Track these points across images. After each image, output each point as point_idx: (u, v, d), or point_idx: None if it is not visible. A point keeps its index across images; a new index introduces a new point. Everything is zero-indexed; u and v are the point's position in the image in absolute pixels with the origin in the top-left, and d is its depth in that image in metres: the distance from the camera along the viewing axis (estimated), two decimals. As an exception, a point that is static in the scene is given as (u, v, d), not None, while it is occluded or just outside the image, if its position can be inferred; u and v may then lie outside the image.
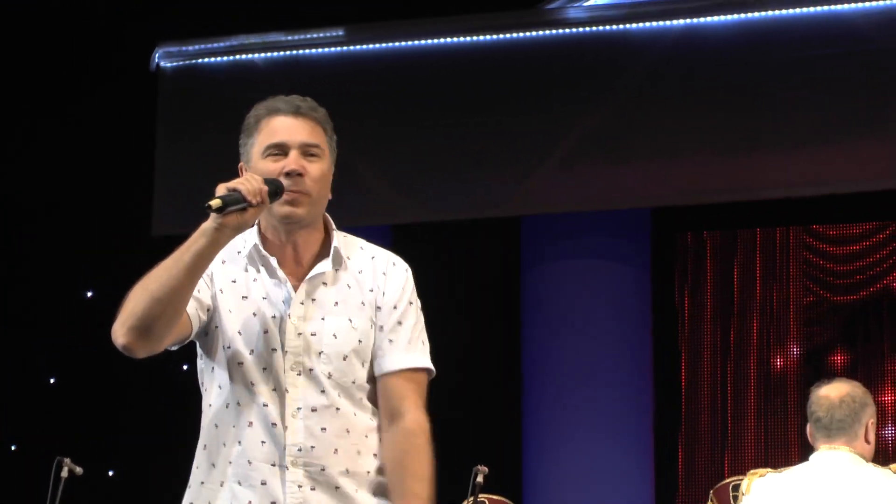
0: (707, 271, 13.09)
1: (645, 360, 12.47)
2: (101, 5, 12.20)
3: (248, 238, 4.89)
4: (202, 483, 4.87)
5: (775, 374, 13.39)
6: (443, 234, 11.93)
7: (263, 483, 4.79)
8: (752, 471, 7.88)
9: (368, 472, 4.89)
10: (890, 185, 11.45)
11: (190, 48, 12.29)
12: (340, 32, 11.85)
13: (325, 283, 4.86)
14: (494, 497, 8.81)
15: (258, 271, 4.88)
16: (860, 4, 11.24)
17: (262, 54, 12.12)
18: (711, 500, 8.99)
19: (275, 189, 4.69)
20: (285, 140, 4.83)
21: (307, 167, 4.79)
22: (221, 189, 4.59)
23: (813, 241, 12.86)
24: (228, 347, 4.85)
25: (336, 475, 4.82)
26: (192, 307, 4.80)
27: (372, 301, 4.91)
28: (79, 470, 8.22)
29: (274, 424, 4.80)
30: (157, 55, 12.22)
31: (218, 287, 4.89)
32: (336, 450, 4.81)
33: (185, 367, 11.92)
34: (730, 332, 13.40)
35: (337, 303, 4.85)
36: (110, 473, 11.13)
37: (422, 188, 11.55)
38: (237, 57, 12.16)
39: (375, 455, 4.92)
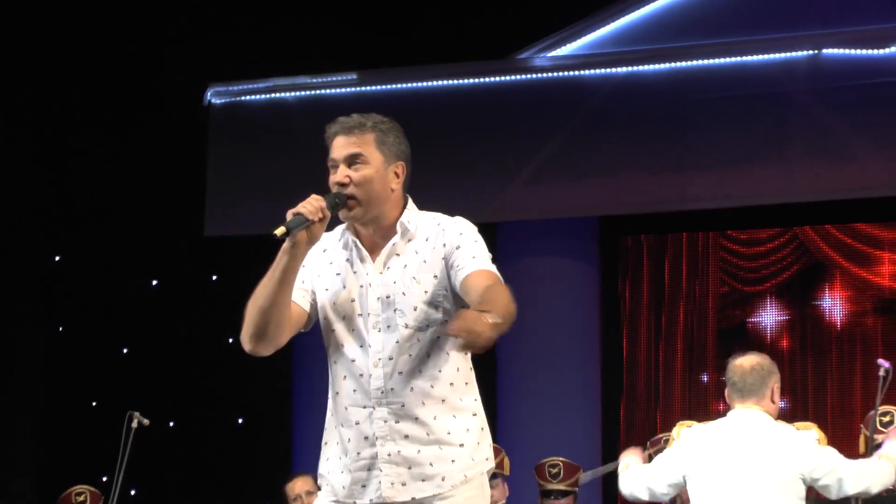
0: (644, 267, 13.12)
1: (594, 338, 12.47)
2: (169, 54, 12.02)
3: (343, 231, 4.96)
4: (327, 428, 4.99)
5: (698, 349, 13.23)
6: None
7: (357, 423, 4.84)
8: (680, 422, 8.07)
9: (444, 400, 4.89)
10: (787, 200, 11.58)
11: (234, 88, 12.28)
12: (354, 76, 11.92)
13: (397, 255, 4.84)
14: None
15: (350, 253, 4.90)
16: (764, 56, 11.30)
17: (292, 93, 12.08)
18: (648, 448, 8.69)
19: (334, 203, 4.74)
20: (334, 157, 4.84)
21: (352, 175, 4.81)
22: (289, 214, 4.64)
23: (727, 243, 12.97)
24: (325, 318, 4.92)
25: (414, 408, 4.83)
26: (302, 300, 4.93)
27: (437, 256, 4.87)
28: (146, 421, 8.10)
29: (361, 375, 4.84)
30: (209, 93, 12.24)
31: (316, 273, 4.94)
32: (412, 388, 4.82)
33: (230, 340, 11.44)
34: (661, 317, 13.29)
35: (406, 265, 4.83)
36: (171, 424, 11.06)
37: (419, 198, 11.50)
38: (272, 95, 12.12)
39: (452, 384, 4.93)
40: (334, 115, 4.75)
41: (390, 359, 4.82)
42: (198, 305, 12.21)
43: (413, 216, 4.94)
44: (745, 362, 7.18)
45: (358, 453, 4.86)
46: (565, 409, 11.92)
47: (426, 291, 4.83)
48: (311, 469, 8.21)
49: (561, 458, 9.32)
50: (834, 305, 12.92)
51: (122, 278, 12.45)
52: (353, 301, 4.89)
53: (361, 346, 4.86)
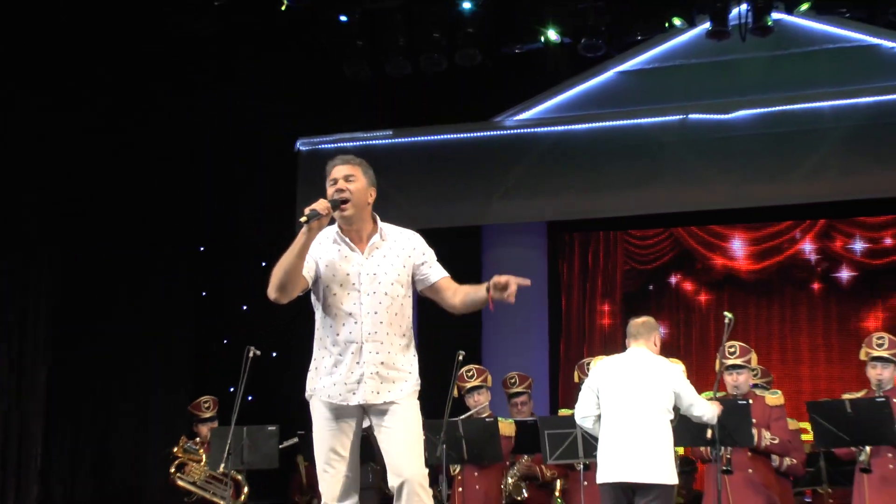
0: (576, 254, 13.18)
1: (544, 299, 12.33)
2: (268, 114, 11.52)
3: (331, 230, 4.96)
4: (323, 357, 4.96)
5: (610, 307, 13.06)
6: (437, 233, 11.57)
7: (352, 353, 4.88)
8: (598, 356, 8.33)
9: (402, 344, 4.94)
10: (664, 210, 11.68)
11: (315, 139, 12.03)
12: (390, 132, 11.81)
13: (377, 248, 4.95)
14: (473, 365, 8.70)
15: (340, 246, 4.94)
16: (650, 119, 11.33)
17: (352, 143, 11.76)
18: (577, 370, 8.74)
19: (335, 204, 4.83)
20: (335, 176, 4.94)
21: (347, 187, 4.89)
22: (307, 210, 4.73)
23: (628, 238, 13.11)
24: (327, 287, 4.90)
25: (387, 345, 4.89)
26: (307, 273, 4.88)
27: (405, 255, 5.02)
28: (258, 352, 7.89)
29: (356, 322, 4.88)
30: (298, 143, 12.05)
31: (318, 256, 4.93)
32: (387, 333, 4.89)
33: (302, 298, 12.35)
34: (587, 286, 13.09)
35: (384, 255, 4.96)
36: (273, 354, 10.91)
37: (433, 210, 11.49)
38: (339, 144, 11.73)
39: (404, 335, 4.98)
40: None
41: (375, 313, 4.89)
42: None
43: (385, 226, 5.04)
44: (638, 319, 7.16)
45: (351, 372, 4.88)
46: (525, 344, 11.87)
47: (397, 273, 4.95)
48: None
49: (517, 372, 9.24)
50: (696, 278, 13.02)
51: (240, 270, 12.02)
52: (348, 275, 4.91)
53: (355, 304, 4.89)
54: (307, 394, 5.03)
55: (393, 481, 4.92)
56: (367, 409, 4.95)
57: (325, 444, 4.98)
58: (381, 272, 4.96)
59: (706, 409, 6.88)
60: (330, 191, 4.93)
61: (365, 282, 4.93)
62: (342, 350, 4.92)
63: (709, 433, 7.09)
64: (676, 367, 7.09)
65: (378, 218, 5.04)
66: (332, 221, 4.97)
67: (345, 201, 4.89)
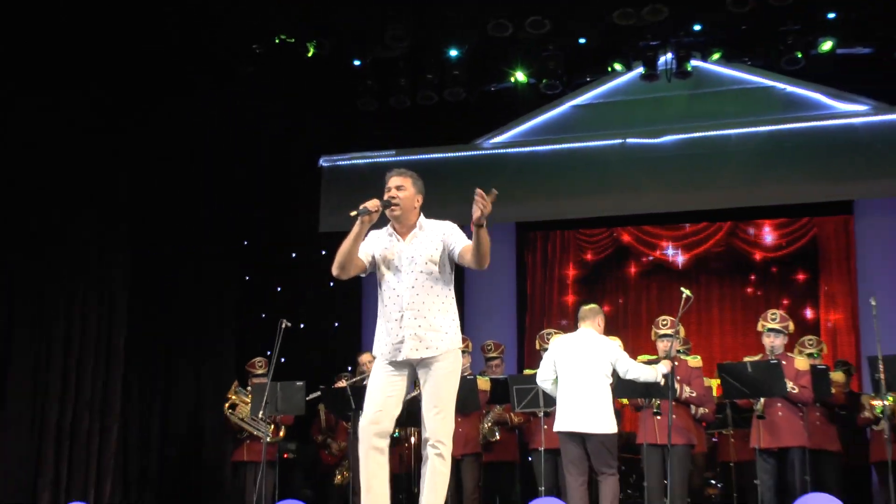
0: (538, 249, 12.93)
1: (513, 281, 12.10)
2: (299, 137, 11.50)
3: (385, 227, 4.91)
4: (379, 324, 4.88)
5: (560, 288, 12.73)
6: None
7: (396, 319, 4.79)
8: (555, 329, 8.53)
9: (439, 309, 4.79)
10: (608, 214, 11.67)
11: (334, 157, 11.93)
12: (393, 152, 11.57)
13: (416, 237, 4.86)
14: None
15: (390, 238, 4.90)
16: (595, 143, 11.23)
17: (363, 161, 11.77)
18: (538, 339, 8.31)
19: (387, 204, 4.79)
20: (390, 185, 4.88)
21: (398, 194, 4.86)
22: (360, 206, 4.67)
23: (580, 236, 12.86)
24: (378, 267, 4.88)
25: (425, 311, 4.79)
26: (364, 257, 4.85)
27: (438, 239, 4.87)
28: (289, 324, 7.69)
29: (399, 296, 4.82)
30: (321, 160, 11.93)
31: (374, 246, 4.89)
32: (423, 302, 4.80)
33: (330, 284, 11.29)
34: (546, 273, 12.78)
35: (421, 242, 4.86)
36: (301, 326, 10.62)
37: (429, 209, 11.45)
38: (353, 161, 11.77)
39: (443, 302, 4.83)
40: (384, 172, 4.88)
41: (412, 287, 4.82)
42: (312, 274, 11.69)
43: (424, 220, 4.96)
44: (587, 306, 7.10)
45: (396, 335, 4.80)
46: (498, 318, 11.67)
47: (430, 254, 4.84)
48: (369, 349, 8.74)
49: (492, 341, 9.20)
50: (631, 268, 12.82)
51: (275, 260, 11.95)
52: (392, 259, 4.86)
53: (399, 282, 4.84)
54: (372, 352, 4.96)
55: (423, 433, 4.81)
56: (416, 365, 4.82)
57: (377, 385, 4.84)
58: (417, 254, 4.86)
59: (640, 371, 6.84)
60: (385, 195, 4.87)
61: (404, 263, 4.86)
62: (388, 318, 4.86)
63: (662, 382, 7.01)
64: (614, 343, 7.03)
65: (423, 215, 4.98)
66: (387, 221, 4.92)
67: (394, 204, 4.84)
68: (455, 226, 5.01)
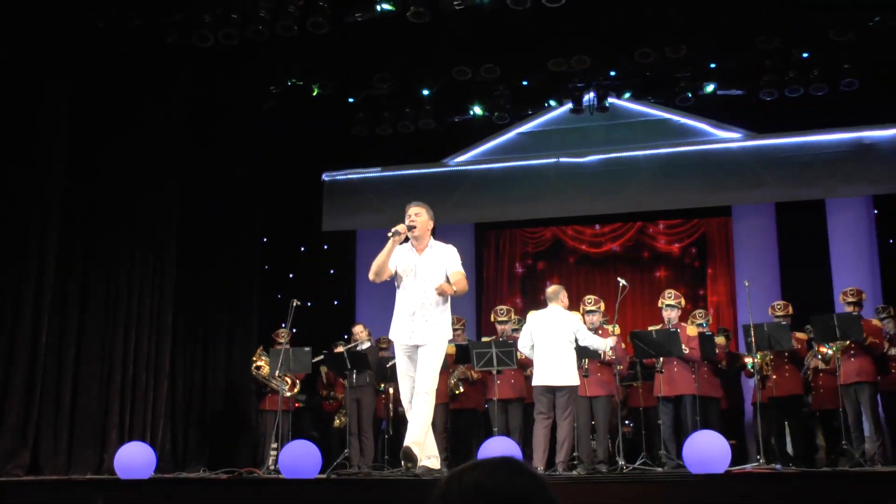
0: (492, 245, 12.64)
1: (472, 272, 11.48)
2: (304, 157, 11.18)
3: (407, 244, 5.04)
4: (396, 316, 4.99)
5: (509, 277, 12.32)
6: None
7: (411, 314, 4.93)
8: (507, 306, 8.53)
9: (441, 303, 4.90)
10: (551, 216, 11.54)
11: (334, 172, 11.67)
12: (379, 168, 11.45)
13: (428, 255, 4.99)
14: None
15: (409, 253, 5.03)
16: (541, 161, 11.13)
17: (357, 176, 11.50)
18: (493, 313, 8.34)
19: (410, 228, 4.97)
20: (409, 213, 5.02)
21: (416, 220, 5.01)
22: (392, 229, 4.81)
23: (525, 235, 12.63)
24: (398, 275, 5.00)
25: (431, 308, 4.90)
26: (393, 267, 4.99)
27: (442, 260, 4.99)
28: (299, 303, 7.52)
29: (413, 296, 4.95)
30: (323, 175, 11.64)
31: (398, 259, 5.00)
32: (429, 302, 4.90)
33: (330, 271, 11.81)
34: (498, 265, 12.36)
35: (431, 257, 4.99)
36: (308, 304, 10.10)
37: (401, 215, 10.55)
38: (349, 176, 11.57)
39: (442, 304, 4.93)
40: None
41: (423, 291, 4.93)
42: (316, 264, 11.77)
43: (434, 242, 5.07)
44: (552, 286, 7.07)
45: (409, 324, 4.94)
46: (461, 299, 10.74)
47: (436, 267, 4.97)
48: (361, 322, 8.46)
49: (456, 315, 8.31)
50: (563, 258, 12.63)
51: (288, 253, 11.76)
52: (412, 269, 4.98)
53: (413, 284, 4.96)
54: (389, 336, 5.03)
55: (416, 387, 4.91)
56: (419, 345, 4.94)
57: (402, 368, 5.01)
58: (428, 266, 4.98)
59: (591, 340, 6.84)
60: (406, 221, 5.00)
61: (419, 272, 4.97)
62: (404, 313, 4.99)
63: (603, 354, 7.06)
64: (575, 317, 6.99)
65: (433, 237, 5.07)
66: (406, 239, 5.03)
67: (413, 226, 5.00)
68: (455, 251, 5.11)
